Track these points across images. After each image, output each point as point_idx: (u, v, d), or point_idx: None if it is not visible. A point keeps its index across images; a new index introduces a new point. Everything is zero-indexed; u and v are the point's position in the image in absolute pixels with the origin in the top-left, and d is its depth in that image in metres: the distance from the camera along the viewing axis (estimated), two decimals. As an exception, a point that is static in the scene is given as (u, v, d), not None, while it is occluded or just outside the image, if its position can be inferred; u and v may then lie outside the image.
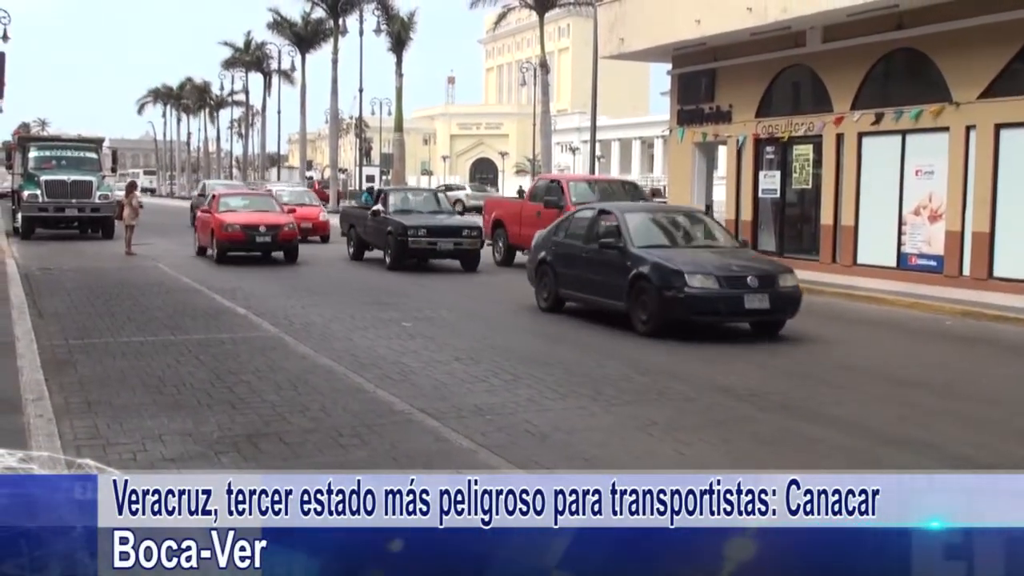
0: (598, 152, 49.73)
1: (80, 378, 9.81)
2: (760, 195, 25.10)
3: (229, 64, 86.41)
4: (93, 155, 33.24)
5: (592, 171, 35.84)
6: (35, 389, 8.62)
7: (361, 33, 58.20)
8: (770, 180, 24.74)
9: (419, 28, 57.84)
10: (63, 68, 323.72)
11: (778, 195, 24.52)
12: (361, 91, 62.33)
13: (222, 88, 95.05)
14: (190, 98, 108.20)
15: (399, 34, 57.05)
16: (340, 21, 62.04)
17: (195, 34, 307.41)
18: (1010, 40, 18.61)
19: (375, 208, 23.98)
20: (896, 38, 20.96)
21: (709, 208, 28.32)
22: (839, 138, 22.51)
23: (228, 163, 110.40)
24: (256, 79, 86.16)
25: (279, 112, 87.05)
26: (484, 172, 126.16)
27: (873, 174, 21.68)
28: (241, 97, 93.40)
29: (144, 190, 50.48)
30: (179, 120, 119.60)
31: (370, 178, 71.34)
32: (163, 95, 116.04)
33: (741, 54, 25.08)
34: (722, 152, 28.71)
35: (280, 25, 67.91)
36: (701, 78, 27.06)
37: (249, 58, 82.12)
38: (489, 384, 10.05)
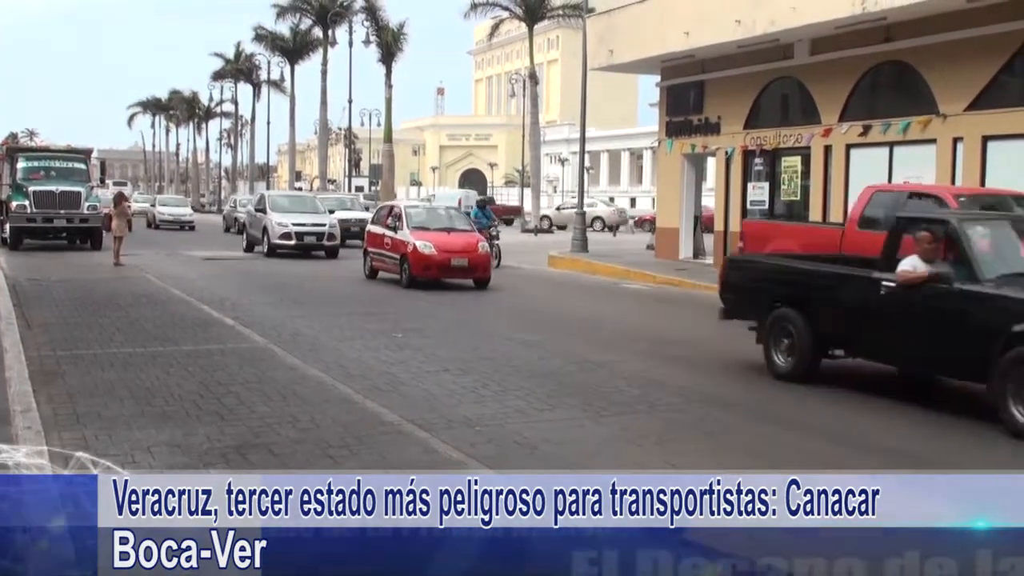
0: (587, 163, 49.84)
1: (68, 389, 9.75)
2: (748, 207, 25.15)
3: (219, 75, 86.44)
4: (82, 166, 33.16)
5: (581, 183, 35.73)
6: (23, 400, 8.58)
7: (351, 44, 58.33)
8: (758, 192, 24.80)
9: (409, 39, 57.90)
10: (52, 78, 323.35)
11: (766, 206, 24.60)
12: (351, 102, 62.50)
13: (211, 99, 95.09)
14: (179, 109, 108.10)
15: (389, 45, 57.12)
16: (329, 32, 62.11)
17: (186, 45, 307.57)
18: (997, 53, 18.74)
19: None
20: (884, 51, 21.09)
21: (698, 219, 28.45)
22: (827, 150, 22.62)
23: (218, 174, 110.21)
24: (246, 90, 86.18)
25: (268, 123, 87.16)
26: (473, 183, 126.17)
27: (861, 186, 21.69)
28: (230, 108, 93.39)
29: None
30: (168, 131, 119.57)
31: (359, 188, 71.27)
32: (152, 106, 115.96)
33: (729, 66, 25.19)
34: (711, 164, 28.81)
35: (267, 38, 67.93)
36: (690, 90, 27.17)
37: (239, 68, 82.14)
38: (478, 395, 10.05)
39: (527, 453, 7.91)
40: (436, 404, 9.57)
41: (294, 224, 29.60)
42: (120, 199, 28.18)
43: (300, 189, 73.83)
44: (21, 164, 32.10)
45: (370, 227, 23.88)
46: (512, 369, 11.62)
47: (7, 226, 31.02)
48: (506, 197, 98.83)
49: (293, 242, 29.47)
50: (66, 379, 10.30)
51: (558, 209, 62.33)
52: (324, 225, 30.10)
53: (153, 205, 52.48)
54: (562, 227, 54.13)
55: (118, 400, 9.33)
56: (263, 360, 11.74)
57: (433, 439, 8.14)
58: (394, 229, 21.80)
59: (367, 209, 43.78)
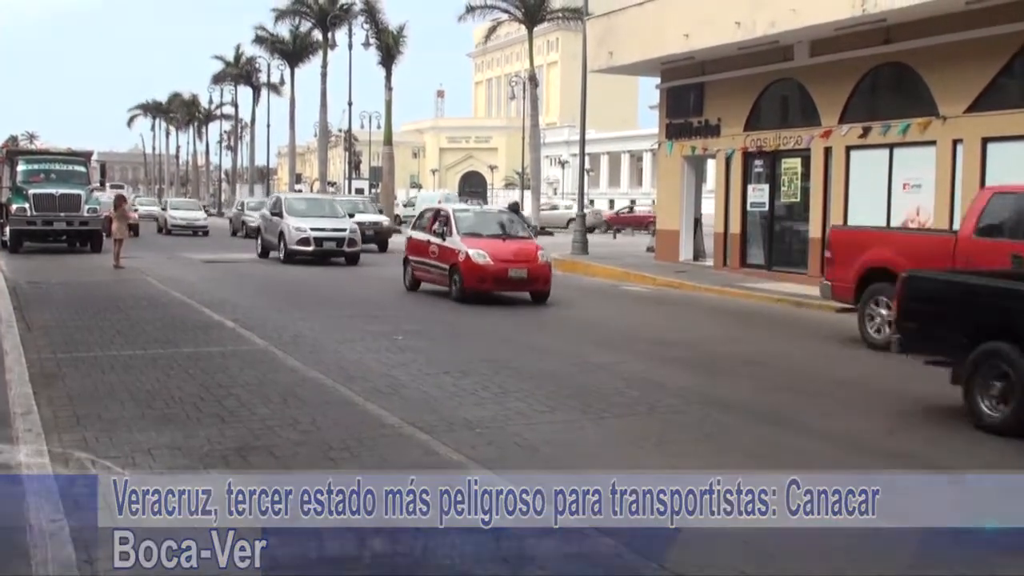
0: (587, 166, 49.86)
1: (69, 392, 9.76)
2: (749, 208, 25.19)
3: (219, 78, 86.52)
4: (82, 168, 33.20)
5: (581, 186, 35.74)
6: (23, 403, 8.58)
7: (350, 47, 58.29)
8: (758, 193, 24.84)
9: (409, 42, 57.86)
10: (52, 81, 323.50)
11: (766, 208, 24.62)
12: (350, 104, 62.37)
13: (211, 102, 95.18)
14: (179, 112, 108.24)
15: (388, 48, 57.09)
16: (329, 35, 62.13)
17: (186, 48, 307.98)
18: (996, 54, 18.74)
19: None
20: (883, 52, 21.10)
21: (698, 222, 28.45)
22: (827, 152, 22.61)
23: (218, 177, 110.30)
24: (246, 92, 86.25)
25: (268, 125, 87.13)
26: (473, 186, 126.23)
27: (861, 187, 21.79)
28: (230, 110, 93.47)
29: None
30: (168, 134, 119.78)
31: (359, 190, 71.20)
32: (152, 109, 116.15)
33: (729, 68, 25.19)
34: (711, 165, 28.80)
35: (268, 40, 67.96)
36: (690, 92, 27.17)
37: (239, 71, 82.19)
38: (479, 397, 10.04)
39: (528, 455, 7.91)
40: (437, 406, 9.57)
41: (312, 229, 28.06)
42: (120, 202, 28.18)
43: (300, 191, 73.79)
44: (21, 167, 32.13)
45: (412, 233, 21.78)
46: (512, 371, 11.62)
47: (7, 229, 31.04)
48: (481, 196, 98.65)
49: (311, 248, 27.88)
50: (66, 381, 10.30)
51: None
52: (344, 230, 28.51)
53: (164, 209, 49.88)
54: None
55: (118, 402, 9.33)
56: (263, 362, 11.75)
57: (434, 441, 8.15)
58: (441, 236, 19.57)
59: (381, 212, 43.29)
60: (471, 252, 18.63)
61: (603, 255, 30.54)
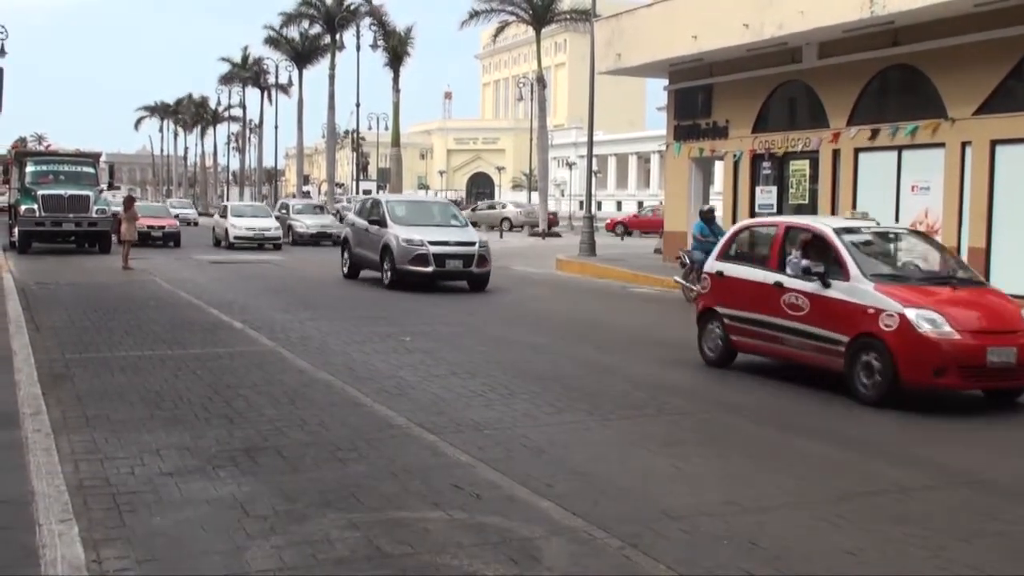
0: (595, 167, 49.84)
1: (78, 392, 9.79)
2: (757, 210, 25.15)
3: (227, 79, 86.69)
4: (90, 170, 33.33)
5: (588, 188, 35.69)
6: (32, 404, 8.61)
7: (358, 48, 58.36)
8: (767, 195, 24.81)
9: (416, 43, 57.97)
10: (61, 82, 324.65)
11: (775, 210, 24.59)
12: (358, 106, 62.34)
13: (219, 103, 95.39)
14: (186, 113, 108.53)
15: (396, 49, 57.15)
16: (337, 37, 62.21)
17: (194, 49, 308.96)
18: (1005, 57, 18.71)
19: None
20: (892, 54, 21.08)
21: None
22: (835, 154, 22.60)
23: (226, 178, 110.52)
24: (254, 94, 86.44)
25: (276, 127, 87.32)
26: (481, 187, 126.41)
27: (869, 190, 21.76)
28: (238, 112, 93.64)
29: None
30: (176, 135, 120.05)
31: (367, 191, 71.27)
32: (159, 110, 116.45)
33: (738, 70, 25.19)
34: (719, 167, 28.79)
35: (277, 41, 68.10)
36: (698, 93, 27.17)
37: (247, 73, 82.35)
38: (486, 399, 10.05)
39: (534, 456, 7.91)
40: (444, 407, 9.58)
41: (431, 243, 21.11)
42: (129, 203, 28.22)
43: (307, 193, 73.87)
44: (30, 168, 32.28)
45: (723, 267, 12.76)
46: (519, 373, 11.62)
47: (16, 230, 31.15)
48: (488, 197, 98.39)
49: (431, 268, 21.00)
50: (75, 382, 10.34)
51: (473, 210, 62.92)
52: (473, 244, 21.60)
53: (224, 215, 39.35)
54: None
55: (127, 403, 9.36)
56: (272, 363, 11.78)
57: (441, 442, 8.15)
58: (820, 279, 10.91)
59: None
60: (912, 315, 10.07)
61: (611, 256, 30.55)
